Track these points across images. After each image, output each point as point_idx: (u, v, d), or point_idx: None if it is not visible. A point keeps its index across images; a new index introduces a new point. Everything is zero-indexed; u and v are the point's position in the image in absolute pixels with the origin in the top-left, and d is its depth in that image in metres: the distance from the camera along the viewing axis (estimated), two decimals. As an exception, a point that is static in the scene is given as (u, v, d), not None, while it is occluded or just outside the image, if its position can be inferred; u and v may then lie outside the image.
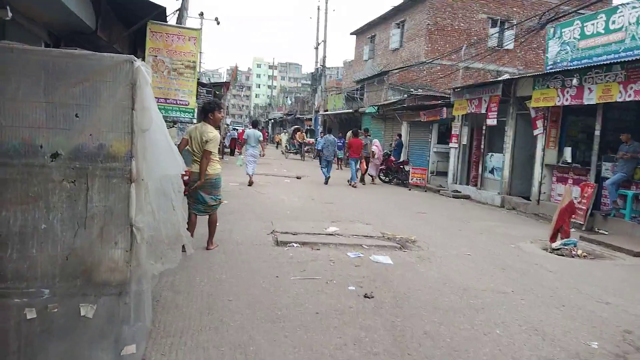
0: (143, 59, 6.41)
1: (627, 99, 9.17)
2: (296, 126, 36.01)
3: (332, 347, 3.70)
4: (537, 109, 12.17)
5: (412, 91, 22.03)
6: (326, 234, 7.79)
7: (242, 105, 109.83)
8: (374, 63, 30.00)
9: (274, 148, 41.47)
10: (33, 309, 2.64)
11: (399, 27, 27.46)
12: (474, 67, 23.87)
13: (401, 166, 17.49)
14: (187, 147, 6.27)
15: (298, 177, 17.21)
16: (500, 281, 5.85)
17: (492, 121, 13.78)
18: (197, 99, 17.71)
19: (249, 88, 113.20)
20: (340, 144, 21.81)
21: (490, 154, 14.68)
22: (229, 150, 27.47)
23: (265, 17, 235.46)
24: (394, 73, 25.48)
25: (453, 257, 6.92)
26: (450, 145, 16.67)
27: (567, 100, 10.85)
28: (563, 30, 11.69)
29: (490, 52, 23.16)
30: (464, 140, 16.00)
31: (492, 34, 25.17)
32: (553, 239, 8.28)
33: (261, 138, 14.51)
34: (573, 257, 7.74)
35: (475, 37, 24.62)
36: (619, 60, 9.41)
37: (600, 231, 10.05)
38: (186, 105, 6.75)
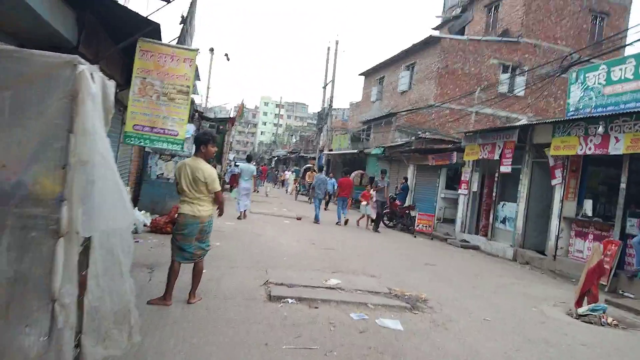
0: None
1: (659, 151, 8.44)
2: (307, 165, 33.09)
3: None
4: (556, 158, 11.45)
5: (420, 134, 21.44)
6: (326, 288, 6.91)
7: (247, 142, 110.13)
8: (382, 104, 29.66)
9: (276, 187, 40.71)
10: None
11: (408, 70, 27.22)
12: (484, 112, 23.44)
13: (407, 211, 16.67)
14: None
15: (298, 218, 16.38)
16: (533, 358, 4.94)
17: (506, 168, 13.05)
18: (198, 131, 17.18)
19: (255, 125, 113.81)
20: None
21: (502, 202, 13.87)
22: (229, 187, 26.73)
23: (274, 56, 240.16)
24: (402, 115, 25.01)
25: (471, 323, 6.01)
26: (460, 191, 15.91)
27: (590, 149, 10.14)
28: (587, 75, 11.10)
29: (501, 99, 22.75)
30: (474, 187, 15.24)
31: (504, 80, 24.82)
32: (579, 303, 7.36)
33: (255, 173, 14.74)
34: (603, 325, 6.82)
35: (486, 82, 24.27)
36: (649, 108, 8.73)
37: (626, 294, 9.12)
38: (175, 135, 5.86)
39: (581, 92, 11.34)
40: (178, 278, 5.88)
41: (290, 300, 6.00)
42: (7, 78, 1.94)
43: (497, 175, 14.08)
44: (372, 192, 18.05)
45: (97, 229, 2.08)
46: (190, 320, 4.99)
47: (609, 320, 6.97)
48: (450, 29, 31.10)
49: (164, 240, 9.49)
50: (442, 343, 5.06)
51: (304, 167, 31.80)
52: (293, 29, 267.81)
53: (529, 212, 12.69)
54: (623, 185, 9.84)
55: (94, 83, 2.06)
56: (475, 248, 13.87)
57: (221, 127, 22.36)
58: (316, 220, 15.69)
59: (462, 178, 15.75)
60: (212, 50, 33.57)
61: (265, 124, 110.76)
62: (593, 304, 7.20)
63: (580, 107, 11.29)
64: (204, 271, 7.19)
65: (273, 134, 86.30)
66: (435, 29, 33.75)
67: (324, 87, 36.40)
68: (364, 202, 16.10)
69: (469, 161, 15.41)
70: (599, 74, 10.86)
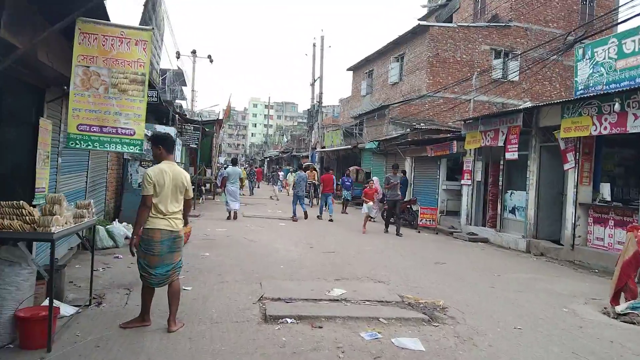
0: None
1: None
2: (308, 163, 29.19)
3: None
4: (568, 140, 10.63)
5: (415, 125, 20.61)
6: (330, 300, 6.03)
7: (238, 145, 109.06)
8: (372, 98, 28.82)
9: (271, 189, 39.77)
10: None
11: (398, 61, 26.41)
12: (479, 99, 22.64)
13: (408, 206, 15.80)
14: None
15: (294, 220, 15.48)
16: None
17: (512, 155, 12.23)
18: (181, 135, 16.26)
19: (245, 127, 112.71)
20: (349, 183, 20.41)
21: (510, 191, 13.04)
22: (220, 190, 25.79)
23: (260, 56, 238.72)
24: (395, 107, 24.17)
25: (501, 334, 5.15)
26: (462, 182, 15.08)
27: (605, 129, 9.32)
28: (595, 50, 10.28)
29: (496, 85, 21.99)
30: (478, 177, 14.41)
31: (496, 65, 24.07)
32: (615, 300, 6.53)
33: (242, 175, 16.60)
34: (647, 325, 6.00)
35: (479, 69, 23.50)
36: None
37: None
38: (131, 135, 4.88)
39: (590, 68, 10.52)
40: (156, 299, 5.03)
41: (289, 320, 5.11)
42: None
43: (502, 162, 13.26)
44: (373, 185, 17.41)
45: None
46: (170, 355, 4.10)
47: (654, 318, 6.15)
48: (437, 17, 30.35)
49: (147, 254, 8.59)
50: (475, 365, 4.20)
51: (304, 165, 26.86)
52: (276, 28, 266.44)
53: (539, 200, 11.87)
54: (645, 165, 9.03)
55: None
56: (484, 241, 13.04)
57: (207, 129, 21.43)
58: (304, 215, 15.91)
59: (464, 168, 14.92)
60: (194, 52, 32.63)
61: (255, 126, 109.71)
62: (632, 301, 6.37)
63: (590, 84, 10.47)
64: (187, 289, 6.34)
65: (264, 134, 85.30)
66: (421, 19, 32.87)
67: (312, 84, 35.51)
68: (369, 202, 14.12)
69: (470, 150, 14.59)
70: (608, 48, 10.03)
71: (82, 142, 4.70)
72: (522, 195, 12.40)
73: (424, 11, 34.16)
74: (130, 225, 10.74)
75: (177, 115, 14.60)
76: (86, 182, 8.75)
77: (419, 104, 23.34)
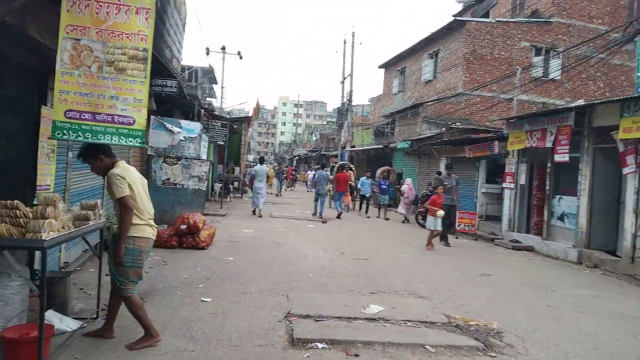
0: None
1: None
2: (342, 162, 25.49)
3: None
4: (627, 142, 9.58)
5: (450, 124, 19.61)
6: (366, 320, 5.27)
7: (267, 143, 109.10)
8: (405, 96, 27.87)
9: (302, 189, 39.13)
10: None
11: (432, 58, 25.41)
12: (519, 99, 21.49)
13: (444, 210, 14.84)
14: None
15: (324, 222, 14.78)
16: None
17: (562, 157, 11.20)
18: (207, 132, 15.70)
19: (274, 126, 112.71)
20: (385, 186, 18.71)
21: (558, 196, 12.01)
22: (248, 188, 25.27)
23: (290, 54, 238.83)
24: (429, 105, 23.18)
25: (574, 369, 4.31)
26: (504, 185, 14.08)
27: (676, 128, 8.26)
28: (663, 40, 9.21)
29: (537, 84, 20.81)
30: (522, 180, 13.40)
31: (537, 63, 22.80)
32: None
33: (269, 173, 16.43)
34: None
35: (518, 67, 22.33)
36: None
37: None
38: (130, 124, 4.08)
39: (655, 61, 9.45)
40: (166, 315, 4.43)
41: (319, 345, 4.38)
42: None
43: (549, 165, 12.23)
44: (404, 186, 16.78)
45: None
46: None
47: None
48: (473, 14, 29.17)
49: (167, 257, 8.03)
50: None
51: (337, 165, 24.00)
52: (306, 25, 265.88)
53: (593, 207, 10.82)
54: None
55: None
56: (529, 249, 12.04)
57: (235, 127, 20.91)
58: (319, 215, 15.94)
59: (507, 170, 13.92)
60: (223, 48, 32.28)
61: (284, 124, 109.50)
62: None
63: (656, 79, 9.40)
64: (207, 300, 5.69)
65: (293, 133, 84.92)
66: (456, 15, 31.73)
67: (342, 82, 34.77)
68: (437, 215, 11.02)
69: (513, 151, 13.58)
70: (679, 38, 8.96)
71: (70, 132, 3.96)
72: (572, 201, 11.36)
73: (459, 7, 32.92)
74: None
75: (202, 111, 14.04)
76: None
77: (454, 102, 22.32)
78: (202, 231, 9.08)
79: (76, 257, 7.02)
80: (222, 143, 17.27)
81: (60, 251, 6.13)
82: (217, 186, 19.27)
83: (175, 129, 12.00)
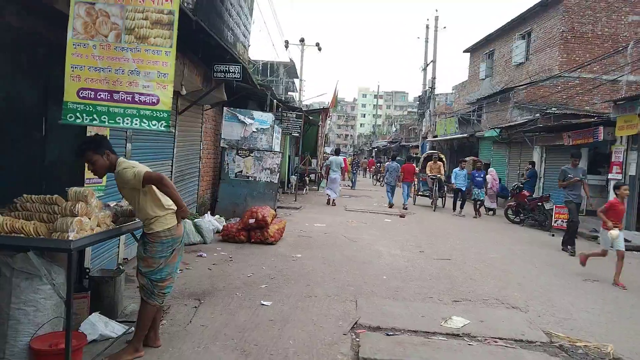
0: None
1: None
2: (430, 151, 21.98)
3: None
4: None
5: (546, 110, 17.79)
6: (448, 336, 4.45)
7: (346, 135, 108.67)
8: (493, 81, 25.97)
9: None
10: None
11: (523, 39, 23.40)
12: (627, 79, 19.07)
13: (539, 203, 13.36)
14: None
15: (402, 216, 13.89)
16: None
17: (686, 142, 9.49)
18: (281, 123, 15.32)
19: (354, 118, 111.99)
20: (480, 179, 15.59)
21: (680, 189, 10.25)
22: (323, 179, 24.82)
23: (369, 44, 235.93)
24: (520, 90, 21.29)
25: None
26: (610, 176, 12.41)
27: None
28: None
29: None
30: (632, 170, 11.66)
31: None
32: None
33: (342, 165, 16.52)
34: None
35: (624, 44, 19.82)
36: None
37: None
38: (153, 104, 3.44)
39: None
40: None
41: (390, 368, 3.66)
42: None
43: (669, 152, 10.48)
44: (488, 177, 15.40)
45: None
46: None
47: None
48: (570, -12, 26.47)
49: (234, 252, 7.65)
50: None
51: (424, 155, 20.88)
52: (386, 12, 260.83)
53: None
54: None
55: None
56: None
57: (312, 118, 20.44)
58: (390, 203, 16.13)
59: (613, 159, 12.21)
60: (302, 40, 32.03)
61: (364, 116, 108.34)
62: None
63: None
64: (266, 304, 5.16)
65: (372, 125, 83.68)
66: (550, -9, 29.05)
67: (424, 69, 33.25)
68: (613, 232, 7.29)
69: (622, 137, 11.86)
70: None
71: (84, 114, 3.46)
72: (700, 194, 9.62)
73: (554, -18, 30.13)
74: (222, 217, 9.98)
75: (275, 101, 13.65)
76: (171, 171, 7.97)
77: (549, 85, 20.31)
78: (271, 226, 8.64)
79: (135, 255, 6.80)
80: (297, 135, 16.86)
81: (118, 247, 5.88)
82: (293, 178, 18.95)
83: (248, 120, 11.71)
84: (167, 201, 3.66)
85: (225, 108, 11.53)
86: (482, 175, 15.80)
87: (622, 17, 20.86)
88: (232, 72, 6.91)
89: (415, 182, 18.31)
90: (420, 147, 31.57)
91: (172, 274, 3.79)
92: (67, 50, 3.53)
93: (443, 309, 5.26)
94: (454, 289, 6.18)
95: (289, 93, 36.97)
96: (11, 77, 4.12)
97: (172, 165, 7.96)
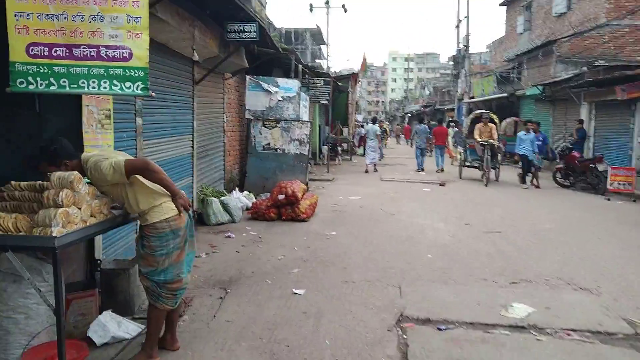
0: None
1: None
2: (479, 111, 16.87)
3: None
4: None
5: (593, 62, 16.39)
6: (510, 327, 3.80)
7: (378, 101, 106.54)
8: (532, 35, 24.34)
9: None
10: None
11: (566, -15, 21.63)
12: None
13: (591, 165, 12.30)
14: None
15: (441, 184, 13.10)
16: None
17: None
18: (308, 90, 14.53)
19: (384, 83, 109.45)
20: (540, 142, 13.03)
21: None
22: (358, 149, 24.03)
23: (398, 3, 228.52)
24: (564, 43, 19.75)
25: None
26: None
27: None
28: None
29: None
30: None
31: None
32: None
33: (378, 132, 16.81)
34: None
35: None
36: None
37: None
38: (124, 60, 2.73)
39: None
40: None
41: (447, 376, 3.05)
42: None
43: None
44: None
45: None
46: None
47: None
48: None
49: (264, 232, 7.14)
50: None
51: (470, 117, 16.28)
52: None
53: None
54: None
55: None
56: None
57: (340, 84, 19.56)
58: (419, 168, 16.64)
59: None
60: (327, 2, 30.84)
61: (395, 80, 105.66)
62: None
63: None
64: (299, 293, 4.61)
65: (404, 89, 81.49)
66: None
67: (457, 26, 31.55)
68: None
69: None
70: None
71: (38, 78, 2.73)
72: None
73: None
74: (252, 194, 9.46)
75: (300, 67, 12.88)
76: (192, 147, 7.42)
77: (595, 36, 18.72)
78: (303, 201, 8.06)
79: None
80: (326, 102, 16.08)
81: (136, 232, 5.39)
82: (325, 149, 18.28)
83: (273, 89, 11.03)
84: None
85: (247, 76, 10.87)
86: (542, 138, 13.46)
87: (679, -45, 18.90)
88: (248, 32, 6.22)
89: (461, 151, 15.55)
90: (456, 110, 30.26)
91: (182, 274, 3.25)
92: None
93: (500, 294, 4.59)
94: (509, 267, 5.48)
95: (316, 60, 35.90)
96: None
97: (192, 141, 7.40)
